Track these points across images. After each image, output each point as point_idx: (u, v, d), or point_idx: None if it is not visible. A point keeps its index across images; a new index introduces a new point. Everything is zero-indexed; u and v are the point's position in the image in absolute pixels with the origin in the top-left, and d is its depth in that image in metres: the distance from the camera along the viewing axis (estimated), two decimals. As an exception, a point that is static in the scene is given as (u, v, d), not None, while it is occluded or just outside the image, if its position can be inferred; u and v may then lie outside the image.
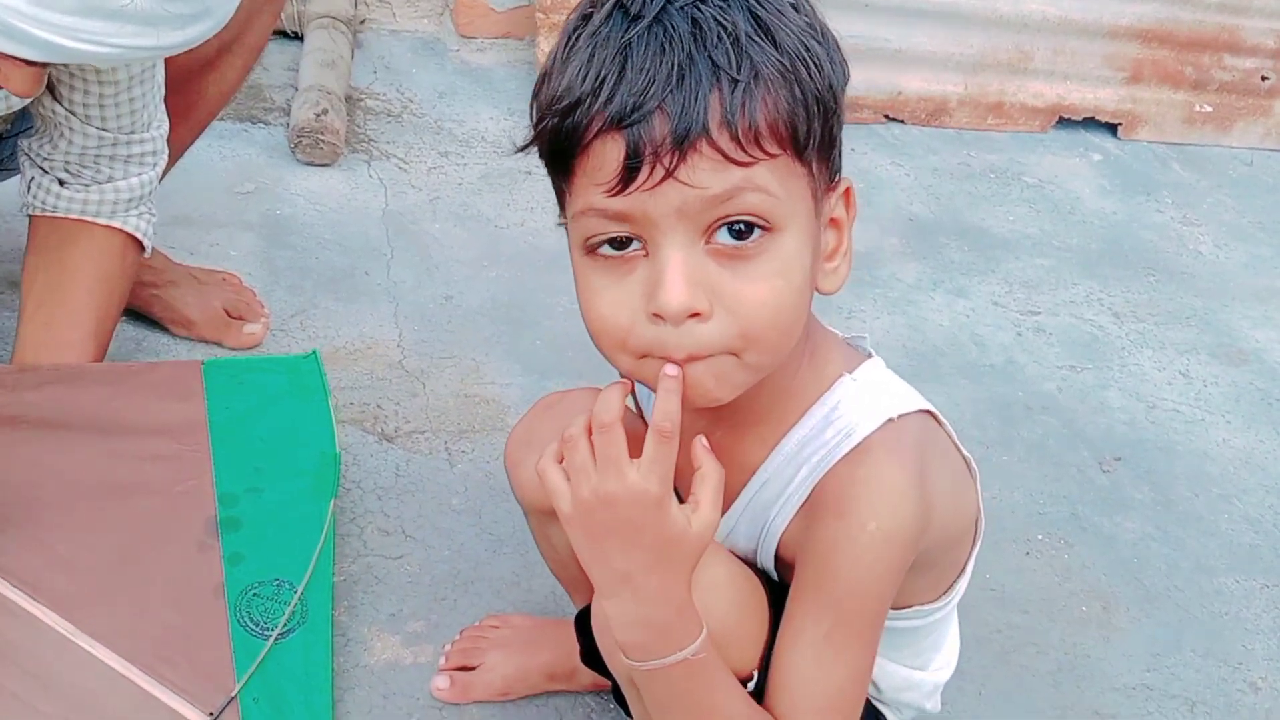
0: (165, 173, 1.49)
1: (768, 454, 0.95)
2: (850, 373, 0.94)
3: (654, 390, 0.82)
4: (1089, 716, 1.35)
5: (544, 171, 0.86)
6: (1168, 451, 1.77)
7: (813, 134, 0.80)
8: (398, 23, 2.48)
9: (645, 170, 0.77)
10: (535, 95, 0.83)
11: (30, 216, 1.44)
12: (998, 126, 2.57)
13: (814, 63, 0.80)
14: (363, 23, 2.43)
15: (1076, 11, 2.49)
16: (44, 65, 1.11)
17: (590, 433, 0.83)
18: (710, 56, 0.76)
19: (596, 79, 0.77)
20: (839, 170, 0.86)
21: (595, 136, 0.78)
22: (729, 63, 0.76)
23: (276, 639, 1.16)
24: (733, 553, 0.98)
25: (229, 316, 1.61)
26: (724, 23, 0.77)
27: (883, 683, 1.07)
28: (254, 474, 1.31)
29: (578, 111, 0.78)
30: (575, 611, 1.17)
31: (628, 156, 0.77)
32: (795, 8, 0.82)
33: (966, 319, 1.98)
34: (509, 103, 2.29)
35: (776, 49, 0.78)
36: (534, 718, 1.24)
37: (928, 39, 2.46)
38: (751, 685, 0.94)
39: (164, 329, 1.61)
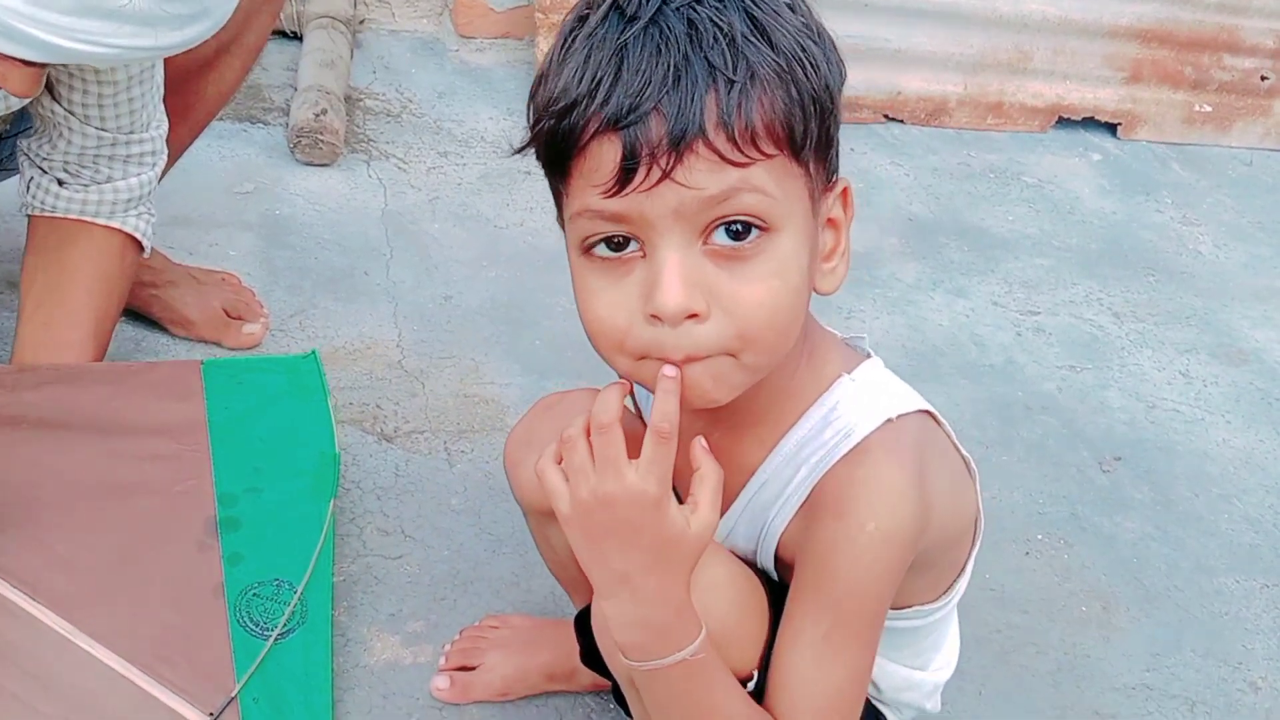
0: (164, 173, 1.49)
1: (766, 454, 0.95)
2: (849, 373, 0.94)
3: (652, 392, 0.82)
4: (1089, 716, 1.35)
5: (543, 172, 0.86)
6: (1167, 451, 1.77)
7: (809, 134, 0.80)
8: (397, 23, 2.48)
9: (642, 171, 0.77)
10: (532, 97, 0.84)
11: (29, 216, 1.44)
12: (997, 126, 2.57)
13: (810, 63, 0.80)
14: (362, 23, 2.43)
15: (1076, 11, 2.49)
16: (42, 65, 1.11)
17: (589, 433, 0.83)
18: (706, 57, 0.76)
19: (593, 80, 0.77)
20: (836, 170, 0.86)
21: (592, 138, 0.78)
22: (725, 64, 0.76)
23: (276, 639, 1.16)
24: (732, 553, 0.98)
25: (228, 316, 1.61)
26: (720, 23, 0.77)
27: (883, 683, 1.07)
28: (253, 474, 1.30)
29: (574, 113, 0.78)
30: (574, 612, 1.17)
31: (624, 158, 0.77)
32: (791, 8, 0.81)
33: (966, 319, 1.98)
34: (508, 103, 2.29)
35: (773, 49, 0.78)
36: (533, 718, 1.24)
37: (927, 39, 2.45)
38: (751, 685, 0.94)
39: (163, 329, 1.61)
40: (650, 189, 0.77)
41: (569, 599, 1.21)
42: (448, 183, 2.06)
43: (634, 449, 0.82)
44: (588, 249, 0.82)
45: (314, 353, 1.47)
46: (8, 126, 1.47)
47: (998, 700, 1.35)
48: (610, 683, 1.09)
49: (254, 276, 1.73)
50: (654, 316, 0.80)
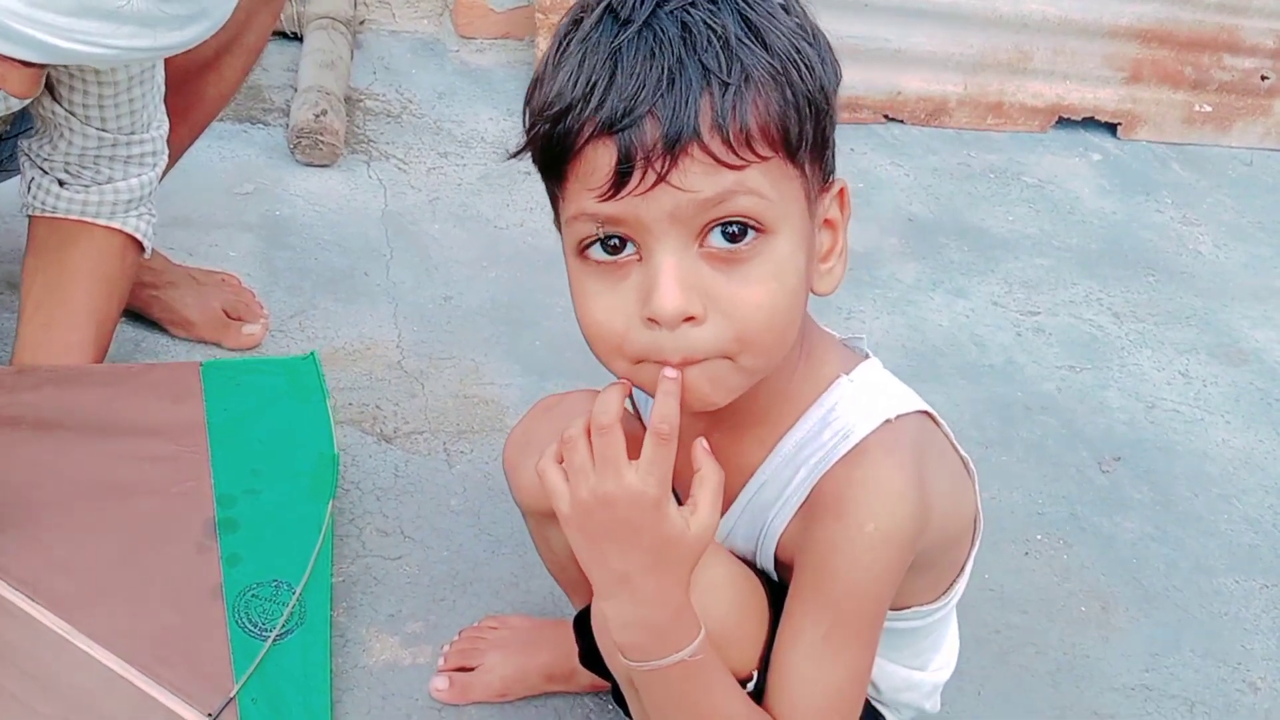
0: (164, 174, 1.49)
1: (766, 455, 0.95)
2: (847, 374, 0.94)
3: (651, 395, 0.82)
4: (1088, 716, 1.35)
5: (539, 175, 0.86)
6: (1167, 451, 1.77)
7: (805, 136, 0.80)
8: (397, 23, 2.48)
9: (637, 175, 0.77)
10: (527, 101, 0.84)
11: (30, 217, 1.44)
12: (997, 126, 2.57)
13: (805, 64, 0.80)
14: (362, 23, 2.43)
15: (1076, 11, 2.48)
16: (42, 66, 1.11)
17: (589, 434, 0.83)
18: (700, 60, 0.76)
19: (587, 84, 0.77)
20: (833, 171, 0.86)
21: (587, 142, 0.78)
22: (719, 66, 0.76)
23: (275, 640, 1.16)
24: (732, 553, 0.98)
25: (228, 317, 1.61)
26: (714, 26, 0.77)
27: (882, 683, 1.07)
28: (252, 475, 1.31)
29: (569, 117, 0.78)
30: (574, 613, 1.17)
31: (619, 161, 0.77)
32: (785, 9, 0.81)
33: (966, 319, 1.98)
34: (508, 103, 2.29)
35: (767, 51, 0.78)
36: (532, 719, 1.24)
37: (927, 39, 2.45)
38: (751, 685, 0.94)
39: (163, 330, 1.62)
40: (645, 192, 0.77)
41: (568, 600, 1.21)
42: (448, 183, 2.06)
43: (634, 450, 0.82)
44: (584, 252, 0.82)
45: (313, 354, 1.47)
46: (9, 127, 1.47)
47: (997, 700, 1.35)
48: (609, 683, 1.09)
49: (254, 277, 1.73)
50: (651, 320, 0.80)
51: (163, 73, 1.40)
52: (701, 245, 0.79)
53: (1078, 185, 2.44)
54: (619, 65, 0.77)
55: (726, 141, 0.77)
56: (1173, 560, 1.58)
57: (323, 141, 2.00)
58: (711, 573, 0.91)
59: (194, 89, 1.51)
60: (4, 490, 1.23)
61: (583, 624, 1.09)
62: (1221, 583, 1.56)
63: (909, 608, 1.01)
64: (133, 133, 1.39)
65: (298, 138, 1.99)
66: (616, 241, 0.80)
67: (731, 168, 0.77)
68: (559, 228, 0.85)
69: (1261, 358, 2.02)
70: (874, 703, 1.08)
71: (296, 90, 2.11)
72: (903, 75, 2.48)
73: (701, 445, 0.86)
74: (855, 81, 2.39)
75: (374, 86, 2.28)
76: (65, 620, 1.13)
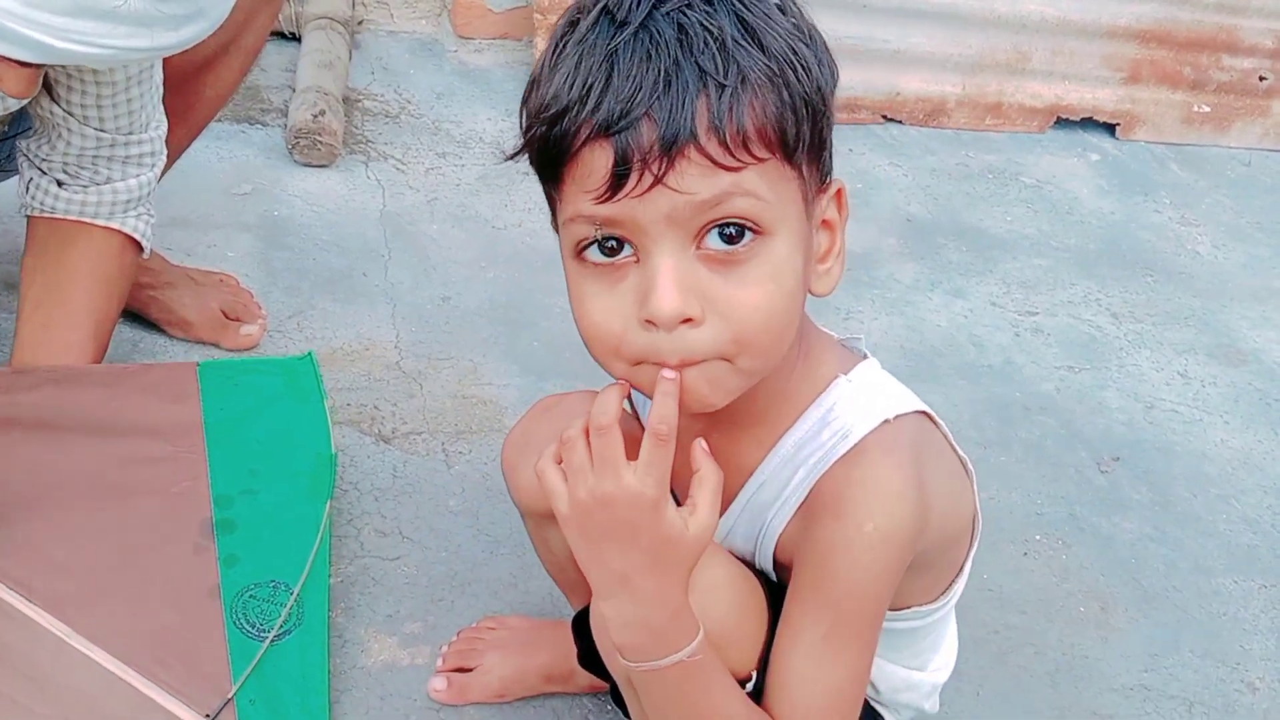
0: (163, 174, 1.49)
1: (764, 456, 0.95)
2: (845, 374, 0.94)
3: (649, 396, 0.82)
4: (1087, 717, 1.35)
5: (536, 176, 0.86)
6: (1166, 452, 1.77)
7: (802, 137, 0.80)
8: (395, 24, 2.48)
9: (634, 177, 0.77)
10: (524, 102, 0.84)
11: (28, 217, 1.44)
12: (996, 127, 2.57)
13: (802, 66, 0.80)
14: (360, 24, 2.43)
15: (1075, 12, 2.49)
16: (39, 66, 1.11)
17: (588, 434, 0.83)
18: (697, 62, 0.76)
19: (584, 86, 0.77)
20: (830, 171, 0.86)
21: (583, 144, 0.78)
22: (716, 68, 0.76)
23: (273, 641, 1.16)
24: (731, 554, 0.98)
25: (226, 318, 1.61)
26: (710, 28, 0.77)
27: (881, 684, 1.07)
28: (249, 476, 1.30)
29: (565, 119, 0.78)
30: (572, 613, 1.17)
31: (616, 164, 0.77)
32: (782, 9, 0.81)
33: (964, 319, 1.98)
34: (507, 103, 2.29)
35: (763, 53, 0.78)
36: (531, 719, 1.24)
37: (926, 39, 2.45)
38: (750, 685, 0.94)
39: (161, 330, 1.61)
40: (642, 194, 0.77)
41: (566, 600, 1.21)
42: (446, 184, 2.06)
43: (632, 451, 0.82)
44: (581, 254, 0.82)
45: (310, 354, 1.47)
46: (7, 128, 1.47)
47: (996, 701, 1.35)
48: (608, 684, 1.09)
49: (252, 278, 1.73)
50: (649, 322, 0.80)
51: (161, 73, 1.40)
52: (699, 247, 0.79)
53: (1076, 186, 2.44)
54: (615, 67, 0.77)
55: (723, 143, 0.77)
56: (1171, 560, 1.58)
57: (321, 142, 2.00)
58: (711, 573, 0.91)
59: (192, 89, 1.51)
60: (1, 491, 1.23)
61: (581, 624, 1.09)
62: (1220, 583, 1.56)
63: (908, 608, 1.01)
64: (131, 133, 1.39)
65: (296, 138, 1.99)
66: (614, 243, 0.80)
67: (728, 169, 0.77)
68: (556, 229, 0.85)
69: (1260, 358, 2.02)
70: (873, 703, 1.08)
71: (295, 90, 2.11)
72: (901, 76, 2.48)
73: (700, 446, 0.86)
74: (854, 82, 2.39)
75: (372, 87, 2.28)
76: (63, 621, 1.13)
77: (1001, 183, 2.40)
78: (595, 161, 0.78)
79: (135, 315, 1.60)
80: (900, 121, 2.52)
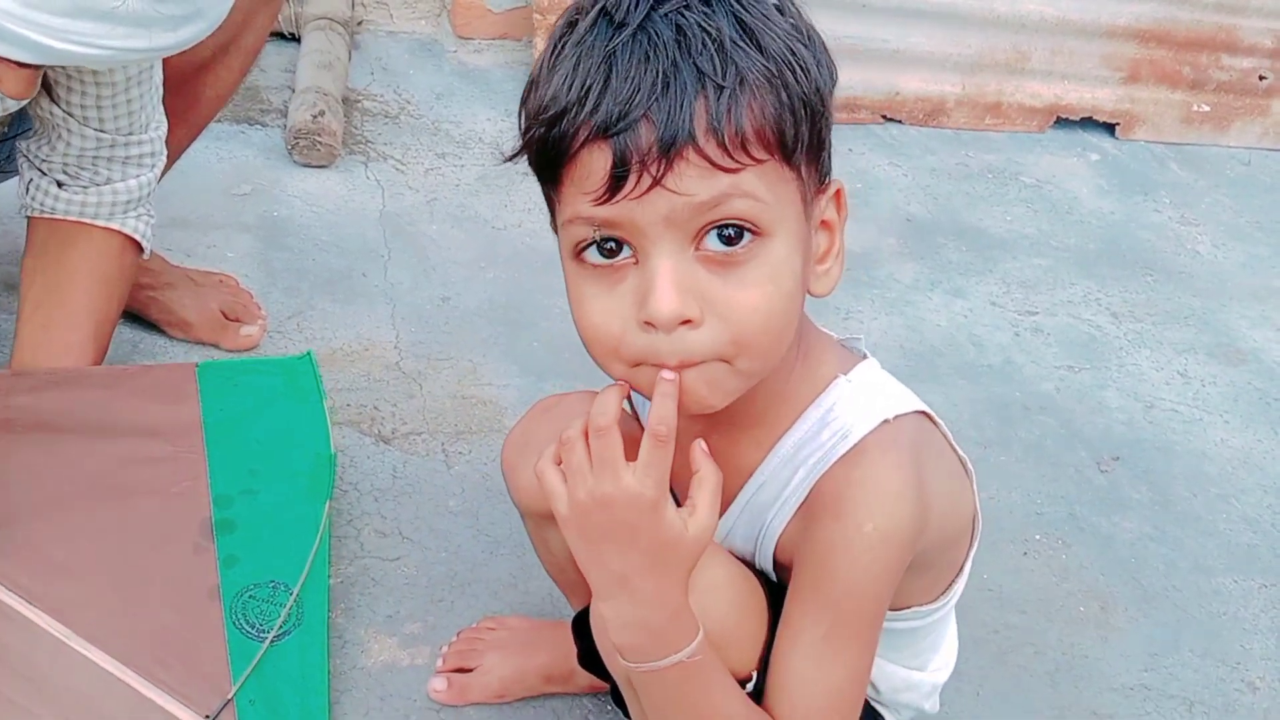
0: (163, 175, 1.48)
1: (764, 456, 0.95)
2: (845, 374, 0.94)
3: (648, 398, 0.82)
4: (1087, 716, 1.35)
5: (535, 178, 0.86)
6: (1166, 451, 1.77)
7: (800, 138, 0.80)
8: (395, 24, 2.48)
9: (632, 179, 0.77)
10: (523, 104, 0.84)
11: (29, 218, 1.44)
12: (995, 126, 2.57)
13: (800, 67, 0.80)
14: (360, 24, 2.43)
15: (1074, 11, 2.49)
16: (38, 67, 1.11)
17: (587, 435, 0.83)
18: (695, 63, 0.76)
19: (582, 88, 0.77)
20: (829, 172, 0.86)
21: (582, 146, 0.78)
22: (714, 69, 0.76)
23: (272, 641, 1.16)
24: (731, 553, 0.98)
25: (225, 318, 1.61)
26: (708, 29, 0.77)
27: (881, 684, 1.07)
28: (249, 476, 1.30)
29: (564, 121, 0.78)
30: (572, 613, 1.17)
31: (614, 165, 0.77)
32: (780, 10, 0.81)
33: (964, 319, 1.98)
34: (506, 104, 2.29)
35: (762, 54, 0.78)
36: (531, 719, 1.24)
37: (925, 39, 2.45)
38: (751, 685, 0.94)
39: (161, 331, 1.61)
40: (641, 196, 0.77)
41: (566, 601, 1.21)
42: (446, 184, 2.06)
43: (632, 451, 0.82)
44: (580, 255, 0.82)
45: (309, 354, 1.47)
46: (6, 129, 1.47)
47: (995, 700, 1.35)
48: (608, 684, 1.09)
49: (252, 278, 1.73)
50: (648, 323, 0.80)
51: (161, 73, 1.40)
52: (697, 248, 0.79)
53: (1076, 185, 2.44)
54: (614, 69, 0.77)
55: (722, 145, 0.77)
56: (1171, 560, 1.58)
57: (320, 142, 2.00)
58: (711, 573, 0.91)
59: (192, 90, 1.51)
60: (0, 492, 1.23)
61: (581, 625, 1.09)
62: (1220, 582, 1.56)
63: (908, 608, 1.01)
64: (131, 133, 1.39)
65: (295, 138, 1.99)
66: (613, 245, 0.80)
67: (727, 171, 0.77)
68: (556, 230, 0.85)
69: (1260, 357, 2.02)
70: (873, 703, 1.08)
71: (294, 91, 2.11)
72: (901, 75, 2.48)
73: (700, 447, 0.86)
74: (853, 82, 2.39)
75: (372, 87, 2.28)
76: (62, 623, 1.13)
77: (1001, 182, 2.40)
78: (594, 163, 0.78)
79: (135, 316, 1.60)
80: (900, 121, 2.52)
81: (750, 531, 0.98)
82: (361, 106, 2.21)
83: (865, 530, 0.87)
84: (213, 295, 1.63)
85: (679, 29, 0.77)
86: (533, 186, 0.86)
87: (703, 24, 0.77)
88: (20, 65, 1.09)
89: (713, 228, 0.79)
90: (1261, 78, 2.64)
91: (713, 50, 0.77)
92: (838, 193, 0.87)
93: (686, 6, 0.78)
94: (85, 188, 1.41)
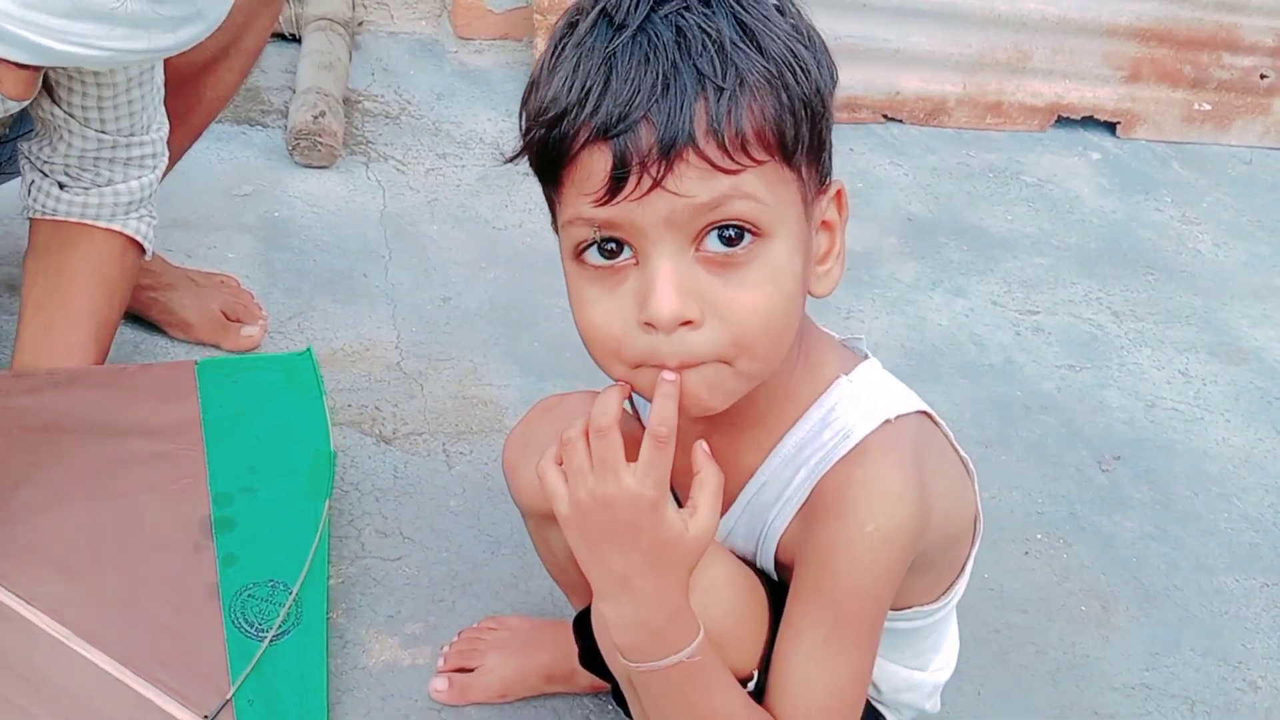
0: (164, 176, 1.49)
1: (765, 456, 0.95)
2: (846, 374, 0.94)
3: (649, 399, 0.82)
4: (1088, 716, 1.35)
5: (536, 178, 0.86)
6: (1167, 450, 1.77)
7: (801, 139, 0.80)
8: (395, 25, 2.48)
9: (632, 180, 0.77)
10: (523, 104, 0.84)
11: (30, 220, 1.44)
12: (996, 126, 2.57)
13: (801, 68, 0.80)
14: (360, 25, 2.43)
15: (1075, 10, 2.49)
16: (37, 68, 1.11)
17: (588, 436, 0.83)
18: (695, 65, 0.76)
19: (582, 89, 0.77)
20: (830, 173, 0.86)
21: (582, 147, 0.78)
22: (714, 71, 0.76)
23: (271, 640, 1.16)
24: (732, 553, 0.98)
25: (226, 319, 1.61)
26: (708, 30, 0.77)
27: (883, 684, 1.07)
28: (248, 473, 1.30)
29: (564, 122, 0.78)
30: (573, 613, 1.17)
31: (614, 167, 0.77)
32: (781, 11, 0.81)
33: (965, 319, 1.98)
34: (507, 104, 2.29)
35: (762, 55, 0.78)
36: (532, 719, 1.24)
37: (926, 39, 2.45)
38: (752, 685, 0.95)
39: (162, 332, 1.61)
40: (641, 197, 0.77)
41: (567, 601, 1.21)
42: (446, 184, 2.06)
43: (633, 452, 0.82)
44: (581, 256, 0.82)
45: (309, 350, 1.47)
46: (8, 130, 1.47)
47: (997, 700, 1.35)
48: (609, 684, 1.09)
49: (252, 279, 1.73)
50: (648, 324, 0.80)
51: (162, 74, 1.40)
52: (698, 249, 0.79)
53: (1077, 184, 2.44)
54: (614, 70, 0.77)
55: (722, 146, 0.77)
56: (1173, 559, 1.58)
57: (321, 143, 2.00)
58: (712, 573, 0.91)
59: (193, 91, 1.51)
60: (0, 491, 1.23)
61: (582, 624, 1.09)
62: (1222, 581, 1.56)
63: (909, 608, 1.01)
64: (132, 134, 1.39)
65: (296, 139, 1.99)
66: (613, 245, 0.80)
67: (727, 172, 0.77)
68: (556, 231, 0.85)
69: (1261, 356, 2.01)
70: (874, 703, 1.08)
71: (295, 92, 2.11)
72: (901, 75, 2.48)
73: (702, 448, 0.86)
74: (854, 81, 2.39)
75: (372, 88, 2.28)
76: (60, 623, 1.13)
77: (1002, 182, 2.40)
78: (594, 164, 0.78)
79: (136, 317, 1.60)
80: (901, 121, 2.52)
81: (751, 531, 0.98)
82: (362, 107, 2.21)
83: (867, 530, 0.87)
84: (214, 296, 1.63)
85: (679, 30, 0.77)
86: (533, 187, 0.86)
87: (703, 25, 0.77)
88: (20, 66, 1.09)
89: (713, 229, 0.79)
90: (1263, 76, 2.64)
91: (713, 52, 0.77)
92: (839, 193, 0.87)
93: (686, 8, 0.78)
94: (87, 189, 1.41)
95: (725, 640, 0.91)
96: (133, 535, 1.23)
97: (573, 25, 0.81)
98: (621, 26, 0.78)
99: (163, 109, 1.43)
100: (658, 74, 0.76)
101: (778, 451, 0.94)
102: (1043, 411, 1.80)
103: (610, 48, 0.77)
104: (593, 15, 0.80)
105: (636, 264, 0.80)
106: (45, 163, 1.40)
